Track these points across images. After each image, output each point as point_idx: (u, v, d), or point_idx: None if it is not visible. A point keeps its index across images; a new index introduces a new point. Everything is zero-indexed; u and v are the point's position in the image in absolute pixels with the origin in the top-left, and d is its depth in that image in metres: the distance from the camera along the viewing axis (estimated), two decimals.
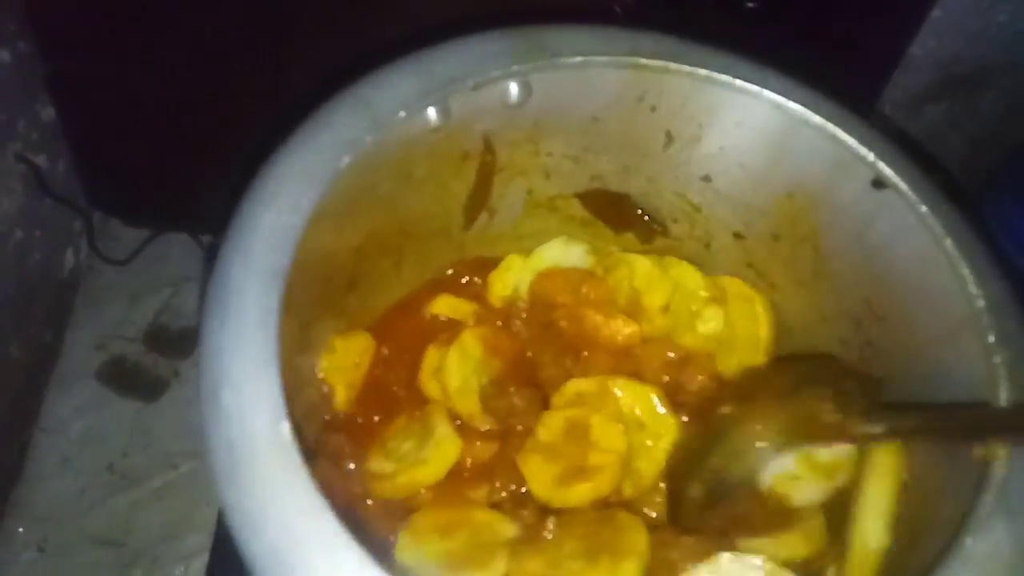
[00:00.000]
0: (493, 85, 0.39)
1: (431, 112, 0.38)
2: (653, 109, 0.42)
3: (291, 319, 0.32)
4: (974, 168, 0.75)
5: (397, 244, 0.46)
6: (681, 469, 0.39)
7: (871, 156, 0.38)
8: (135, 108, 0.68)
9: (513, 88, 0.40)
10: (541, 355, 0.44)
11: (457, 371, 0.43)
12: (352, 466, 0.41)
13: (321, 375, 0.42)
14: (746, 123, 0.41)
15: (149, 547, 0.66)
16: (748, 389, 0.40)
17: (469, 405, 0.43)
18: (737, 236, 0.46)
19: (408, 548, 0.37)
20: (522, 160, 0.46)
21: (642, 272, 0.46)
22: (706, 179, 0.45)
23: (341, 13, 0.61)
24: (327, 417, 0.43)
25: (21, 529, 0.65)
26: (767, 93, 0.39)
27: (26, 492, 0.66)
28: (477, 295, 0.48)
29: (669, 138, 0.43)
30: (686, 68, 0.40)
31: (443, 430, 0.41)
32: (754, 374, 0.43)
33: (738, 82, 0.39)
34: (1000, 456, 0.30)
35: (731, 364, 0.44)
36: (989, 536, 0.28)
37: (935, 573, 0.28)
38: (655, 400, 0.41)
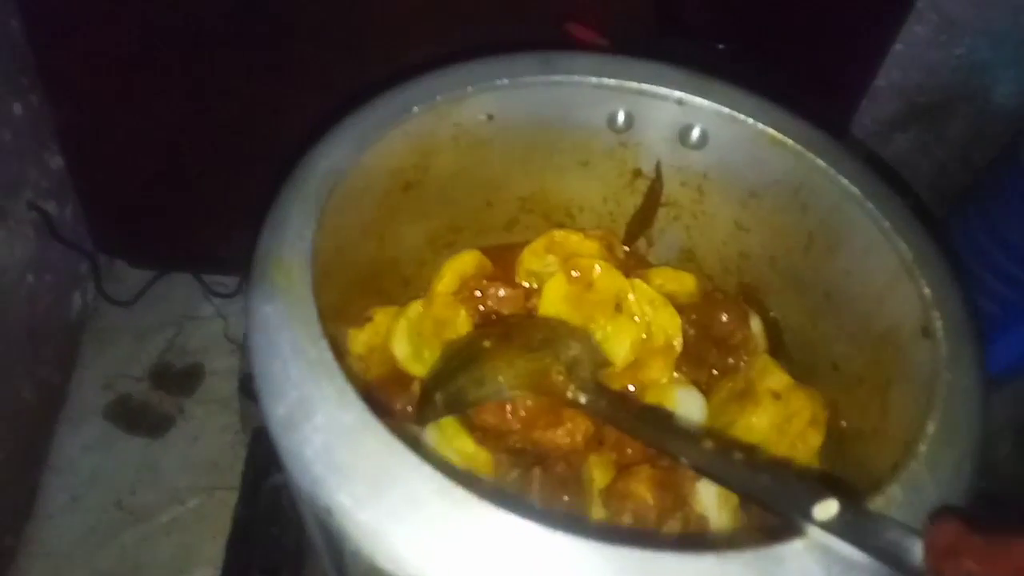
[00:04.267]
0: (674, 114, 0.44)
1: (620, 114, 0.45)
2: (804, 208, 0.43)
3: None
4: (942, 191, 0.78)
5: (559, 220, 0.52)
6: (437, 377, 0.45)
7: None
8: (140, 155, 0.72)
9: (695, 132, 0.45)
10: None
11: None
12: None
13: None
14: (871, 254, 0.40)
15: None
16: (509, 332, 0.45)
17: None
18: (835, 368, 0.45)
19: None
20: (685, 203, 0.50)
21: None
22: (827, 296, 0.44)
23: (337, 60, 0.64)
24: None
25: (33, 568, 0.66)
26: (889, 229, 0.38)
27: (37, 530, 0.68)
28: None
29: (810, 240, 0.44)
30: (842, 179, 0.40)
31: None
32: (520, 321, 0.47)
33: (871, 206, 0.39)
34: None
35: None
36: None
37: None
38: None
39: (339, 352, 0.31)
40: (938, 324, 0.33)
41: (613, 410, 0.39)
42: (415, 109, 0.40)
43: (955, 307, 0.34)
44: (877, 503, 0.27)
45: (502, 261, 0.53)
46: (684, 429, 0.36)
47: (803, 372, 0.46)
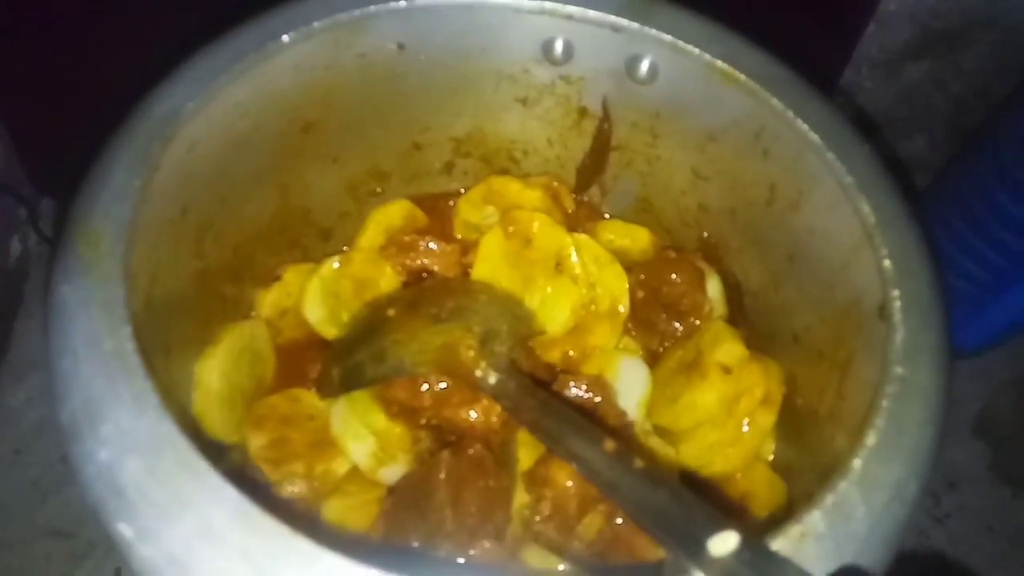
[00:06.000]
0: (617, 43, 0.39)
1: (557, 42, 0.40)
2: (766, 155, 0.38)
3: None
4: (960, 129, 0.71)
5: (501, 164, 0.48)
6: (338, 348, 0.40)
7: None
8: (72, 87, 0.66)
9: (644, 64, 0.39)
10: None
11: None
12: None
13: None
14: (834, 213, 0.35)
15: (102, 539, 0.64)
16: (417, 299, 0.40)
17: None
18: (795, 339, 0.39)
19: None
20: (637, 147, 0.44)
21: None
22: (790, 258, 0.39)
23: None
24: None
25: None
26: (851, 185, 0.33)
27: None
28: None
29: (773, 193, 0.39)
30: (800, 123, 0.35)
31: None
32: (433, 285, 0.42)
33: (831, 157, 0.33)
34: None
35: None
36: None
37: None
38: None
39: (152, 344, 0.26)
40: (896, 305, 0.27)
41: (519, 396, 0.34)
42: (285, 38, 0.34)
43: (919, 286, 0.28)
44: (792, 533, 0.21)
45: (438, 212, 0.48)
46: (589, 427, 0.31)
47: (763, 341, 0.41)
